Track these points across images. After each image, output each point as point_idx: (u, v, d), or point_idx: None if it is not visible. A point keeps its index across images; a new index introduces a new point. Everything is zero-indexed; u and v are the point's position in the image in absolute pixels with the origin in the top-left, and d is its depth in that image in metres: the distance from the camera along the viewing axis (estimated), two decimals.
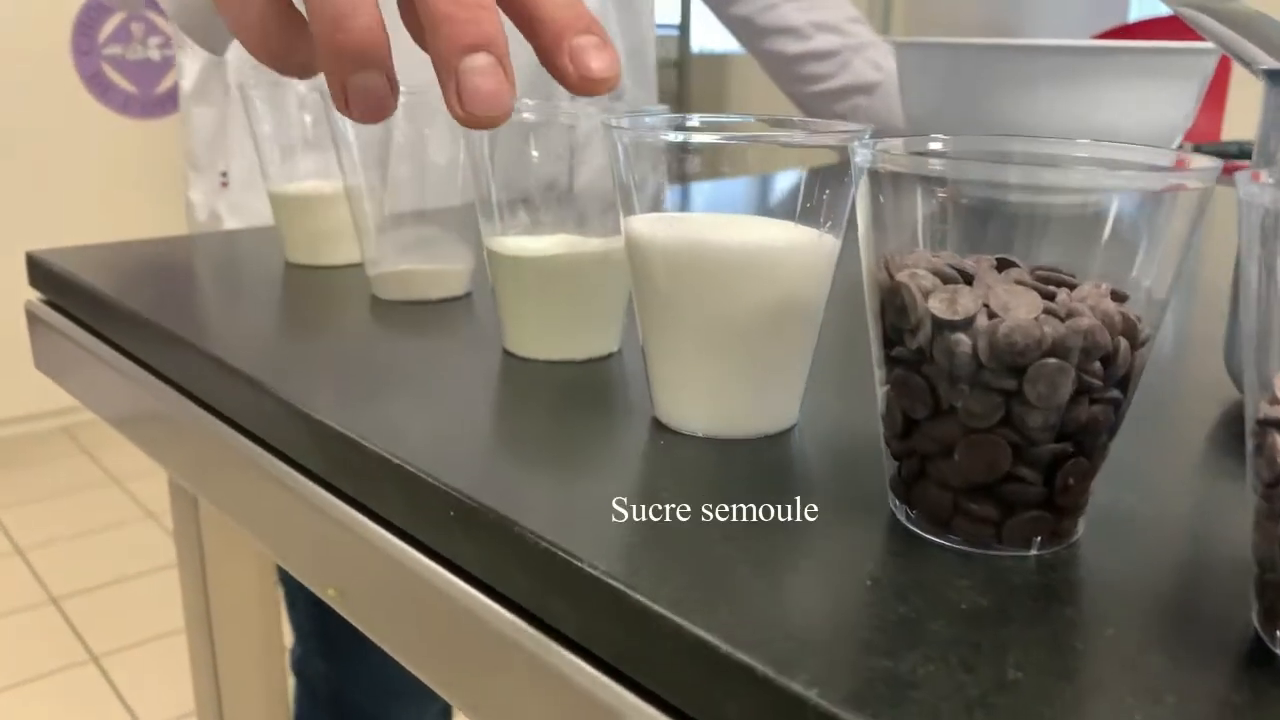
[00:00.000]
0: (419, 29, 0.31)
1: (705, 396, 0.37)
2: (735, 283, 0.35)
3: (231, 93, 0.94)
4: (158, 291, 0.58)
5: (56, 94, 2.47)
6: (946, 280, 0.29)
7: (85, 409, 0.61)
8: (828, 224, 0.35)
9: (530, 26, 0.31)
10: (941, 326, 0.28)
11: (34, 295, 0.65)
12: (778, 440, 0.37)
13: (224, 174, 0.94)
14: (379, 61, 0.29)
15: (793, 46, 1.13)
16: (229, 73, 0.94)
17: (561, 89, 0.31)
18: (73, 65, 2.46)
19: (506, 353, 0.47)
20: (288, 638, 0.88)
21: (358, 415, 0.40)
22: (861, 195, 0.30)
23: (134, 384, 0.54)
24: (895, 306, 0.30)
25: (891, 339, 0.30)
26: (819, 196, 0.35)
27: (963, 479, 0.30)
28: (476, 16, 0.29)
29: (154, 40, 2.55)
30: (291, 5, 0.32)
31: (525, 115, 0.45)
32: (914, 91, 0.89)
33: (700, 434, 0.37)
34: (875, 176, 0.30)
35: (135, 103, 2.55)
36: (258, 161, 0.63)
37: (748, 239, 0.35)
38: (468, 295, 0.57)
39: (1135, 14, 2.47)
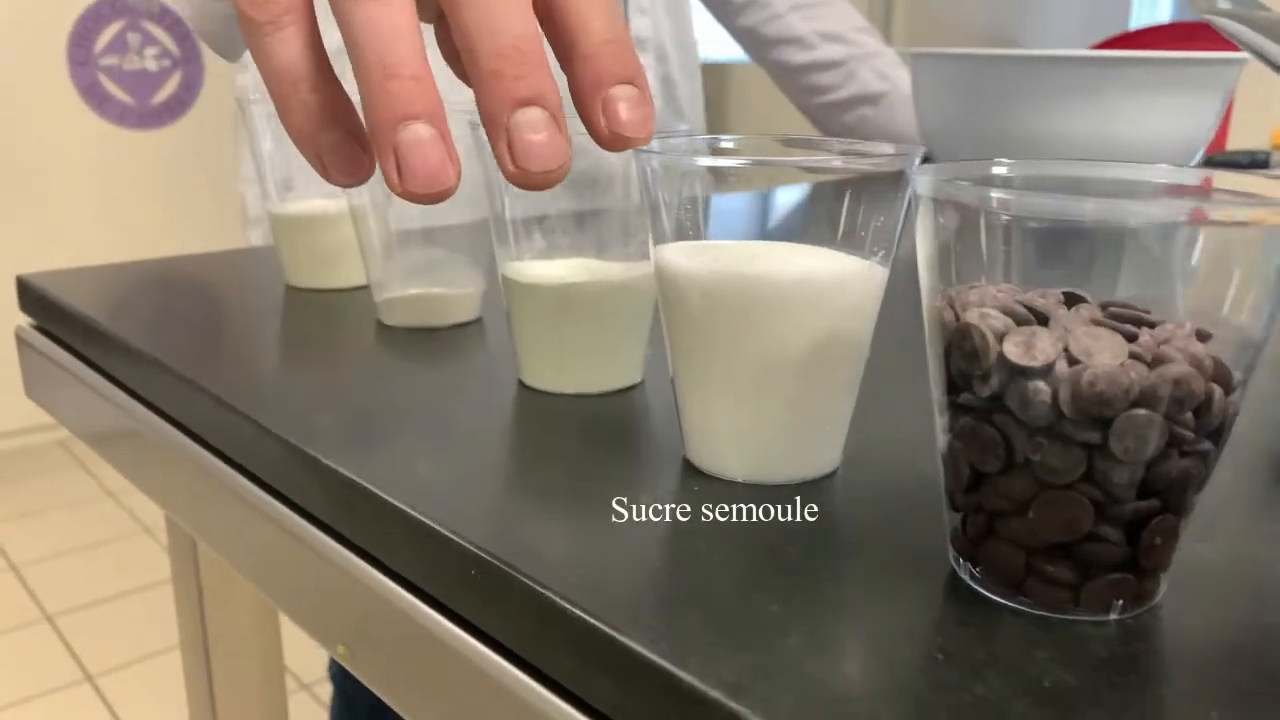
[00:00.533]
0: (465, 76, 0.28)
1: (743, 439, 0.34)
2: (779, 320, 0.32)
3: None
4: (151, 318, 0.55)
5: (52, 105, 2.44)
6: (1019, 320, 0.26)
7: None
8: (878, 253, 0.32)
9: (569, 58, 0.28)
10: (1017, 373, 0.26)
11: (24, 319, 0.62)
12: (820, 486, 0.35)
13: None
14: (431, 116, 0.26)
15: (798, 57, 1.10)
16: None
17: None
18: (69, 76, 2.43)
19: (522, 384, 0.44)
20: (288, 656, 0.85)
21: (366, 458, 0.37)
22: (924, 228, 0.27)
23: (127, 417, 0.51)
24: (963, 350, 0.27)
25: (958, 384, 0.28)
26: (866, 221, 0.32)
27: (1037, 538, 0.27)
28: (523, 72, 0.26)
29: (150, 51, 2.52)
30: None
31: None
32: (929, 102, 0.86)
33: (739, 480, 0.34)
34: (938, 206, 0.27)
35: (132, 114, 2.52)
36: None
37: (793, 272, 0.32)
38: (478, 320, 0.54)
39: (1135, 22, 2.45)
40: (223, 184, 2.53)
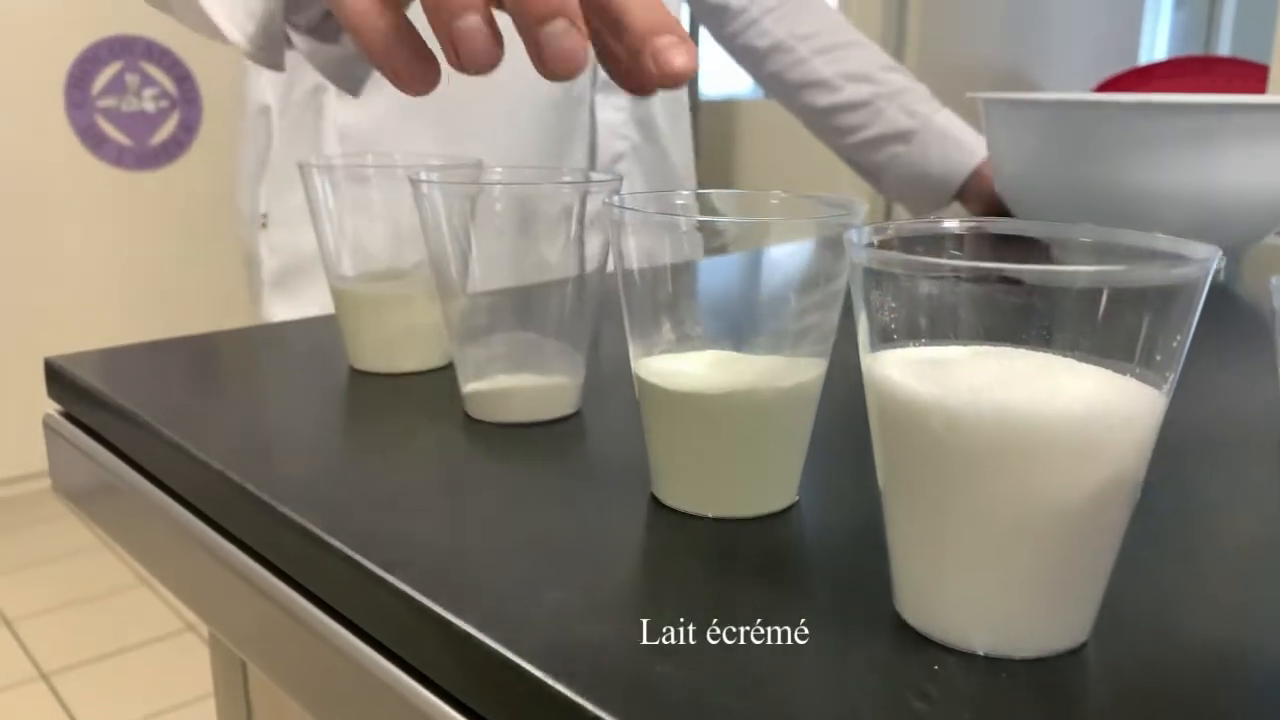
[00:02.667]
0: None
1: (986, 604, 0.27)
2: (1045, 465, 0.25)
3: (274, 131, 0.85)
4: (198, 411, 0.48)
5: (49, 147, 2.36)
6: None
7: None
8: (1168, 379, 0.26)
9: (616, 31, 0.35)
10: None
11: (50, 404, 0.55)
12: (1073, 662, 0.28)
13: (264, 215, 0.86)
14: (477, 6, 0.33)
15: (823, 99, 1.06)
16: (273, 116, 0.85)
17: None
18: (66, 118, 2.36)
19: (655, 499, 0.37)
20: None
21: (465, 592, 0.30)
22: None
23: (170, 524, 0.44)
24: None
25: None
26: (1160, 336, 0.25)
27: None
28: None
29: (149, 92, 2.45)
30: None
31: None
32: (1004, 149, 0.81)
33: (980, 652, 0.28)
34: None
35: (130, 155, 2.44)
36: (313, 232, 0.53)
37: (1072, 405, 0.25)
38: (578, 415, 0.47)
39: (1144, 57, 2.42)
40: (220, 225, 2.46)
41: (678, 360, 0.36)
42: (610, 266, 0.40)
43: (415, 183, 0.45)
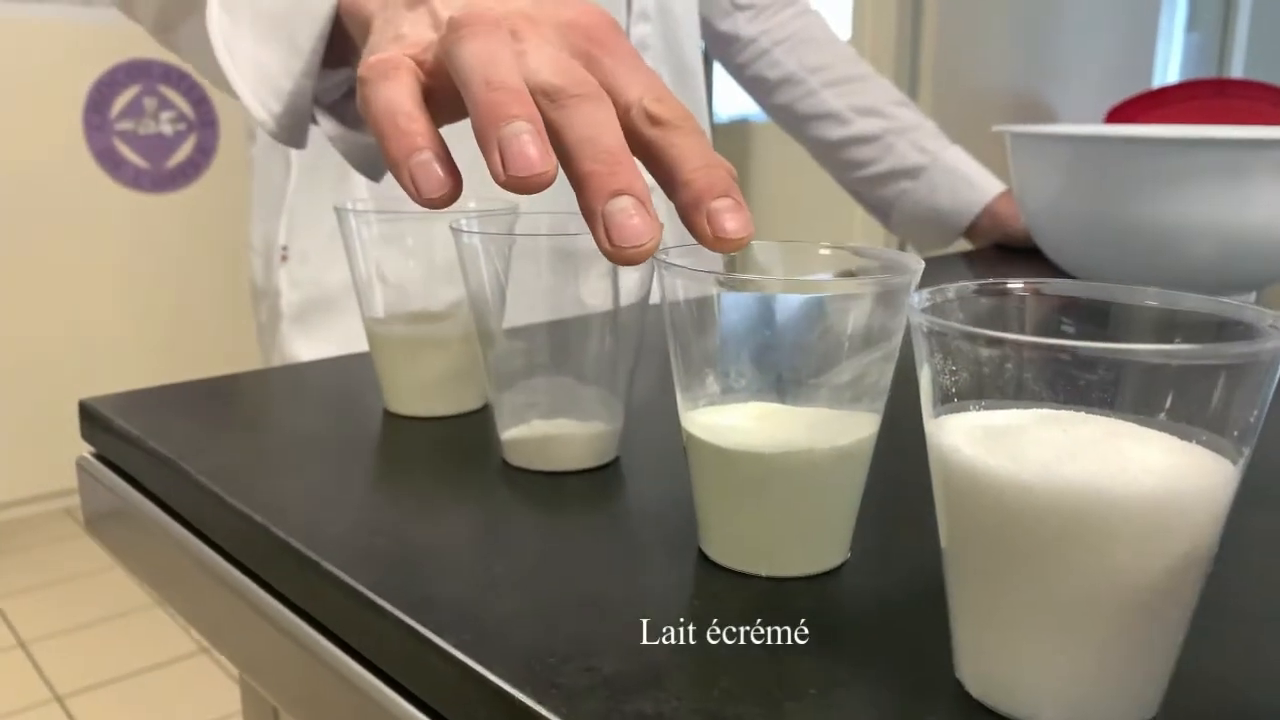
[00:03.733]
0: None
1: (1055, 677, 0.27)
2: (1118, 543, 0.25)
3: (292, 163, 0.84)
4: (236, 458, 0.48)
5: (68, 169, 2.37)
6: None
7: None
8: (1243, 451, 0.25)
9: (672, 187, 0.34)
10: None
11: (84, 446, 0.55)
12: None
13: (284, 248, 0.85)
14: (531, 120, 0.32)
15: (834, 132, 1.06)
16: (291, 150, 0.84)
17: None
18: (84, 141, 2.37)
19: (703, 555, 0.37)
20: None
21: (513, 656, 0.30)
22: None
23: (209, 576, 0.43)
24: None
25: None
26: (1238, 406, 0.25)
27: None
28: (615, 170, 0.32)
29: (166, 115, 2.46)
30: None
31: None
32: (1030, 182, 0.80)
33: None
34: None
35: (147, 177, 2.45)
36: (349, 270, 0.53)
37: (1145, 480, 0.25)
38: (616, 461, 0.47)
39: (1158, 80, 2.42)
40: (237, 248, 2.47)
41: (724, 414, 0.36)
42: (652, 296, 0.40)
43: (456, 231, 0.45)
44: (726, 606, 0.34)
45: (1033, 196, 0.80)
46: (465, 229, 0.45)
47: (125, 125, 2.41)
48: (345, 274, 0.56)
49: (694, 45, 0.93)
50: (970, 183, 1.02)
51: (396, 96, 0.35)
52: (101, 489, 0.52)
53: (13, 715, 1.78)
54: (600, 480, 0.45)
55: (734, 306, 0.34)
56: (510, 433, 0.46)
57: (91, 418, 0.53)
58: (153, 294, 2.53)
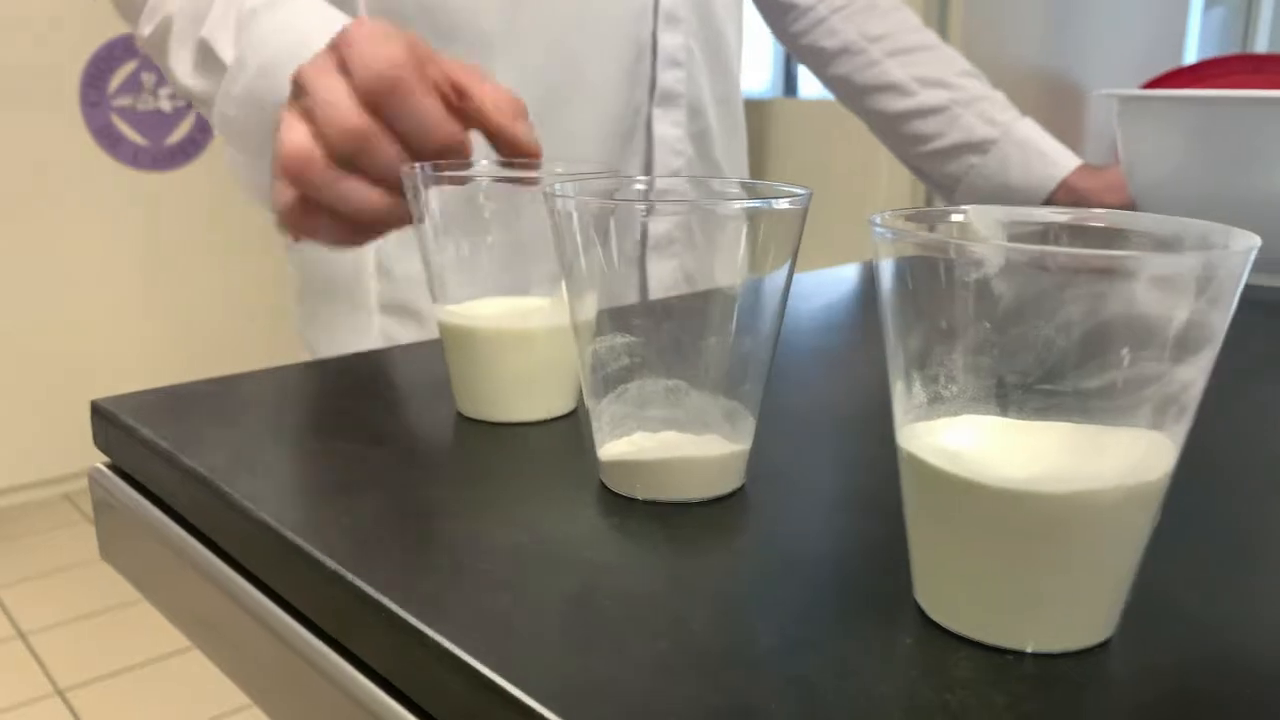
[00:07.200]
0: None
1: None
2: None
3: None
4: (285, 477, 0.38)
5: (65, 147, 2.26)
6: None
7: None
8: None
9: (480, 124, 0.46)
10: None
11: (89, 451, 0.45)
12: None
13: None
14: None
15: (896, 104, 0.96)
16: None
17: None
18: (81, 117, 2.25)
19: (923, 617, 0.28)
20: None
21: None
22: None
23: (238, 609, 0.34)
24: None
25: None
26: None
27: None
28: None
29: (165, 91, 2.34)
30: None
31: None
32: (1142, 151, 0.71)
33: None
34: None
35: (146, 155, 2.33)
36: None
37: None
38: (740, 491, 0.36)
39: (1189, 57, 2.32)
40: (237, 227, 2.36)
41: (954, 430, 0.26)
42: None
43: (550, 196, 0.35)
44: (988, 703, 0.24)
45: (1143, 166, 0.71)
46: (561, 193, 0.35)
47: (123, 101, 2.29)
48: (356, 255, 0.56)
49: (727, 11, 0.84)
50: (1044, 156, 0.92)
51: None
52: (121, 510, 0.43)
53: (13, 709, 1.69)
54: (724, 514, 0.35)
55: (1007, 284, 0.25)
56: (608, 451, 0.36)
57: (105, 419, 0.43)
58: (157, 278, 2.41)
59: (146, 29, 0.63)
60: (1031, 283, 0.25)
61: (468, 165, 0.46)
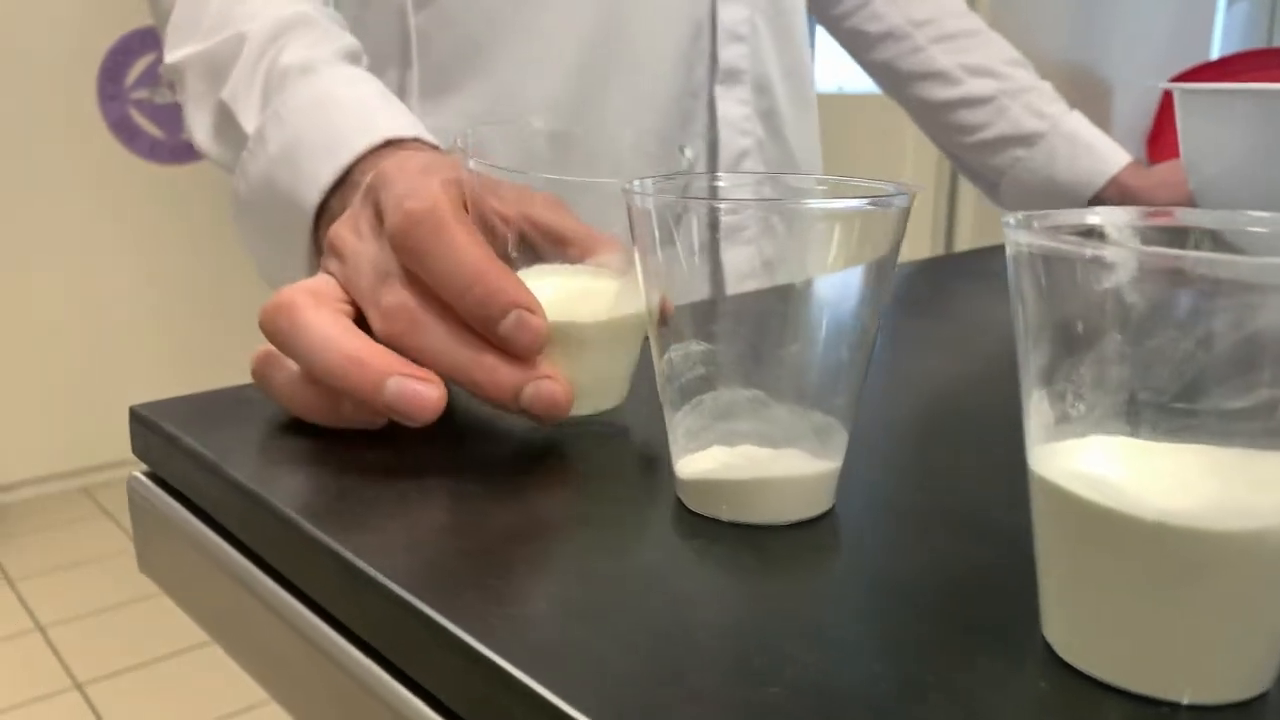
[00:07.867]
0: None
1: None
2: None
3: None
4: (330, 486, 0.36)
5: (83, 140, 2.24)
6: None
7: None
8: None
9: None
10: None
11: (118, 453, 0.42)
12: None
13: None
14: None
15: (941, 93, 0.93)
16: None
17: None
18: (99, 110, 2.23)
19: (1055, 659, 0.25)
20: None
21: None
22: None
23: (283, 625, 0.32)
24: None
25: None
26: None
27: None
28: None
29: None
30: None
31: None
32: (1206, 147, 0.68)
33: None
34: None
35: (163, 148, 2.31)
36: None
37: None
38: (829, 514, 0.33)
39: (1216, 51, 2.29)
40: None
41: (1090, 451, 0.24)
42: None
43: (629, 192, 0.33)
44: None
45: (1206, 164, 0.68)
46: (639, 190, 0.33)
47: (140, 94, 2.27)
48: None
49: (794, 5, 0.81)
50: (1093, 151, 0.89)
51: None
52: (157, 518, 0.40)
53: (32, 703, 1.67)
54: (816, 536, 0.32)
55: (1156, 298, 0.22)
56: (686, 466, 0.33)
57: (144, 425, 0.40)
58: (169, 268, 2.39)
59: (171, 55, 0.59)
60: (1171, 292, 0.22)
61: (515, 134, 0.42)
